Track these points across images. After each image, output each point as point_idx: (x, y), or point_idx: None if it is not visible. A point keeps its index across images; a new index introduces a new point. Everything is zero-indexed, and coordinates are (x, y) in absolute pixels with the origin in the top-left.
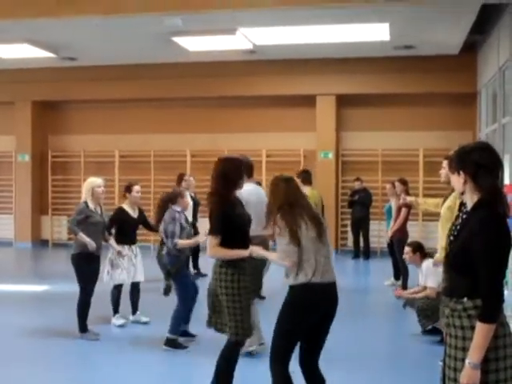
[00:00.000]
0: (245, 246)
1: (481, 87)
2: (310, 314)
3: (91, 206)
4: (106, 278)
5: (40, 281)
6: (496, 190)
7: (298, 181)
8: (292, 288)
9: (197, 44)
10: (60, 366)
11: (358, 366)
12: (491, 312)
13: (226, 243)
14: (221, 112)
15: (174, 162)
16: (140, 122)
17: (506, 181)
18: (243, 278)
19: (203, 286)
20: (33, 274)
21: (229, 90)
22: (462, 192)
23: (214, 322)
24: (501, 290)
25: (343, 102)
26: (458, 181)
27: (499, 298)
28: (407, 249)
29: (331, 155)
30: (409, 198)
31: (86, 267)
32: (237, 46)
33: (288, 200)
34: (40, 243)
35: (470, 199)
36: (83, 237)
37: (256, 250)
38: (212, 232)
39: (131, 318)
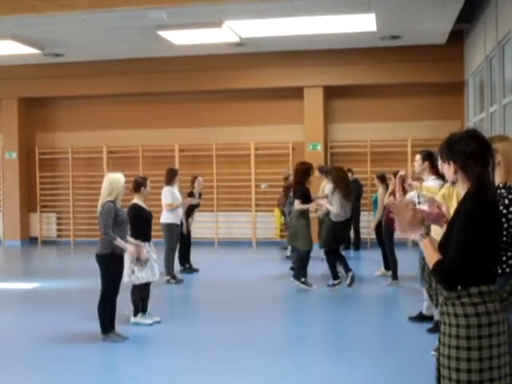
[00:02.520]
0: (310, 202)
1: (468, 76)
2: (342, 232)
3: (118, 204)
4: (133, 278)
5: (30, 279)
6: (484, 179)
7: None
8: (333, 222)
9: (183, 37)
10: (54, 364)
11: (350, 355)
12: (440, 278)
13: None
14: (209, 106)
15: (162, 157)
16: (128, 118)
17: None
18: (308, 220)
19: (196, 280)
20: (23, 272)
21: (216, 83)
22: (453, 182)
23: (290, 242)
24: (461, 271)
25: (331, 93)
26: (448, 170)
27: (454, 275)
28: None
29: (320, 147)
30: (414, 182)
31: (115, 268)
32: (223, 38)
33: (342, 183)
34: (29, 241)
35: (463, 189)
36: (121, 243)
37: (320, 203)
38: (298, 198)
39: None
